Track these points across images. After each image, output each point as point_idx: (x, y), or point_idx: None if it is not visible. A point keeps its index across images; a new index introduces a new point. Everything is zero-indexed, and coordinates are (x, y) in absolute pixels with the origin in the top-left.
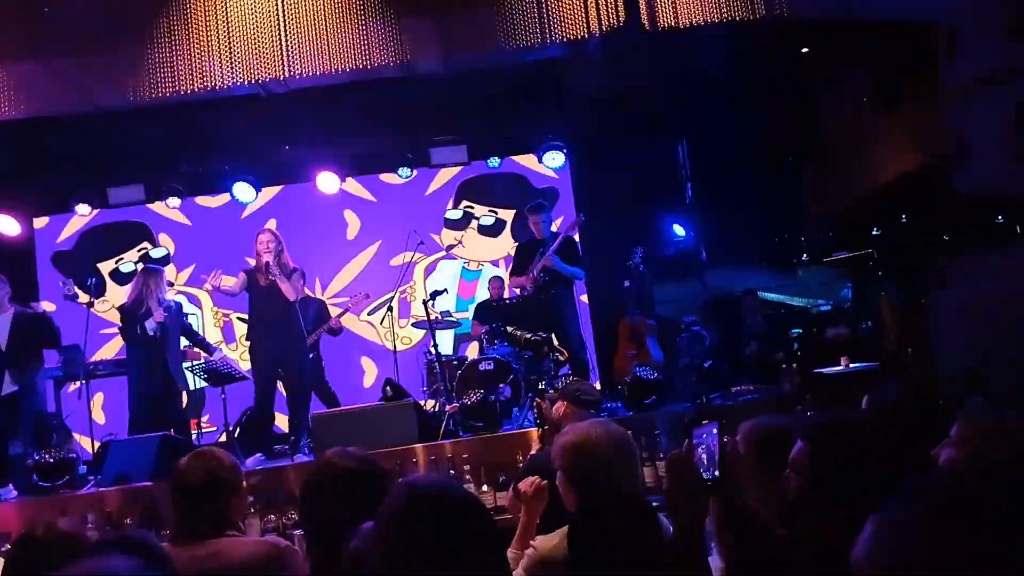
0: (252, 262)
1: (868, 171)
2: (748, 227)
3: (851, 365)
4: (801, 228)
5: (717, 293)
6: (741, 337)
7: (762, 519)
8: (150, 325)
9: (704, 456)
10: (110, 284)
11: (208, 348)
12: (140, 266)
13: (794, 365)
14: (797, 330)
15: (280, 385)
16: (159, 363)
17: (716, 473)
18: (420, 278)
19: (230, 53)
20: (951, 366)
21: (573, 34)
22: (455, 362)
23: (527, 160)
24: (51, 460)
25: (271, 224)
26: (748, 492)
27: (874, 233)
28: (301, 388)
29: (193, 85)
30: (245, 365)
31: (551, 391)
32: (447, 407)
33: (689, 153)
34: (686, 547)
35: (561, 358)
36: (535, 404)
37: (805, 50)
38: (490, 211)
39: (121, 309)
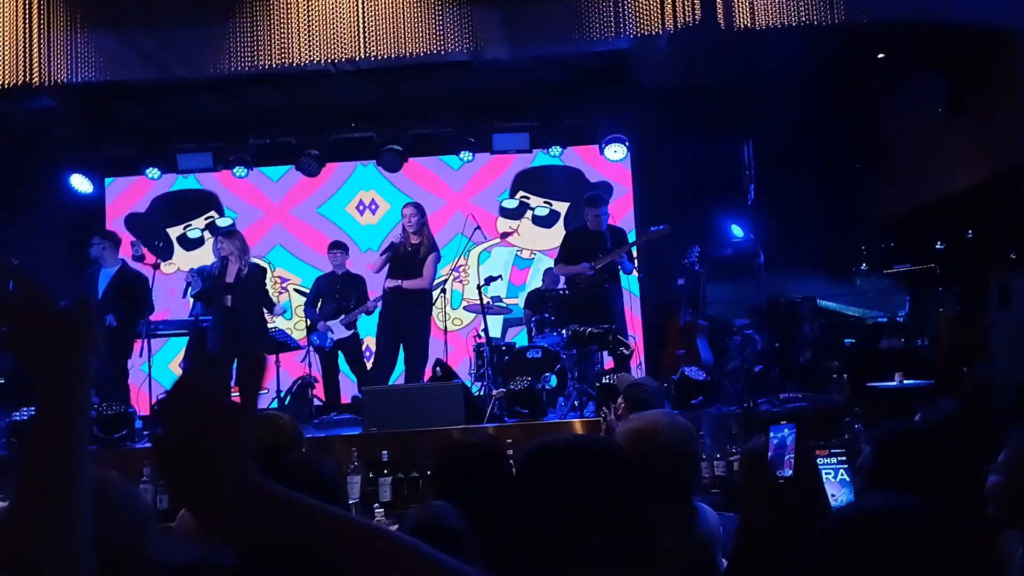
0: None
1: (935, 180)
2: (808, 231)
3: (905, 381)
4: (862, 235)
5: (772, 297)
6: (793, 343)
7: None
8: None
9: (776, 455)
10: (178, 249)
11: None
12: (206, 233)
13: (845, 376)
14: (850, 340)
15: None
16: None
17: (789, 472)
18: (474, 263)
19: (308, 33)
20: (1010, 387)
21: (647, 30)
22: (503, 348)
23: (588, 151)
24: (110, 413)
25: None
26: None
27: (938, 246)
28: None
29: (271, 61)
30: (298, 335)
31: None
32: (494, 391)
33: (754, 151)
34: (755, 539)
35: (627, 352)
36: (603, 419)
37: (881, 56)
38: (545, 202)
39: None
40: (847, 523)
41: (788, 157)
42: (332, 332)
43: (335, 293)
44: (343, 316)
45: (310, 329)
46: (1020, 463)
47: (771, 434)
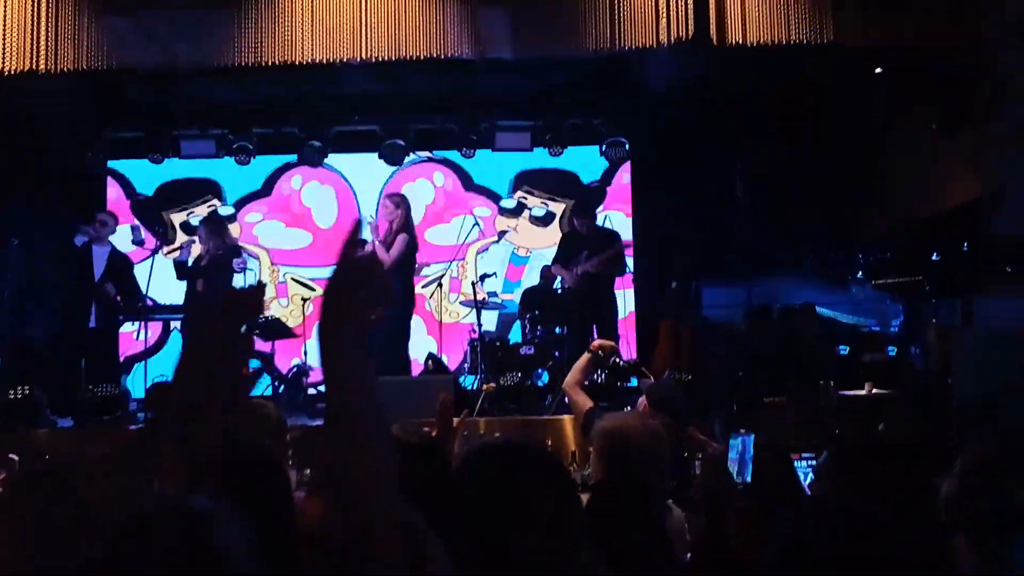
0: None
1: (932, 195)
2: (805, 239)
3: (874, 391)
4: (860, 245)
5: (765, 303)
6: (784, 349)
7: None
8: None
9: (738, 462)
10: (180, 235)
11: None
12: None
13: (831, 383)
14: (844, 348)
15: None
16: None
17: (747, 478)
18: (471, 258)
19: (312, 30)
20: (969, 399)
21: (642, 43)
22: (497, 343)
23: (589, 152)
24: (105, 395)
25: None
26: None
27: (933, 258)
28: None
29: (274, 58)
30: (293, 322)
31: None
32: (484, 386)
33: (749, 159)
34: (714, 538)
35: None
36: None
37: (879, 70)
38: (542, 203)
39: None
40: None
41: (787, 163)
42: None
43: None
44: None
45: None
46: (971, 473)
47: (731, 441)
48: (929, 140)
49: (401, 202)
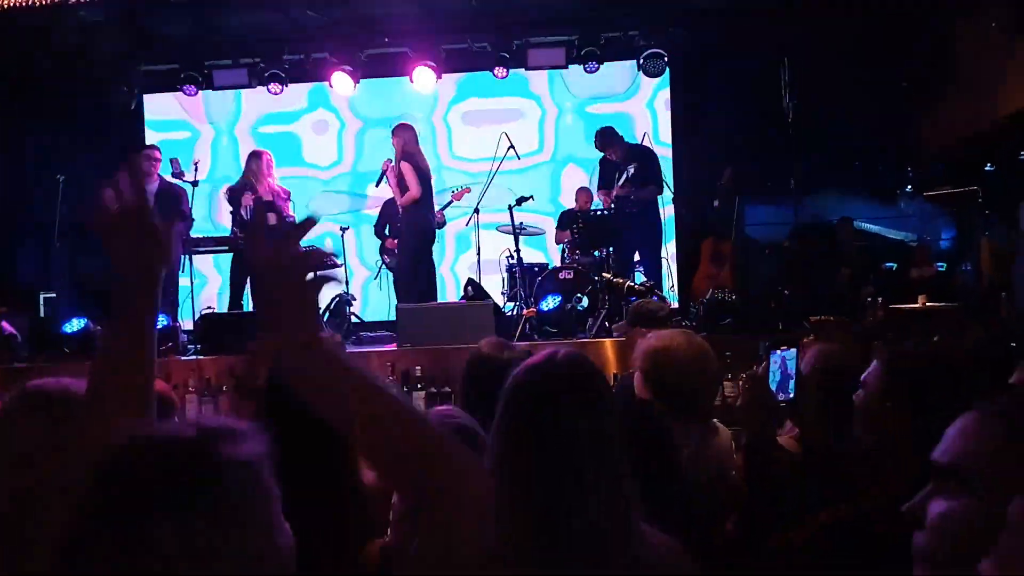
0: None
1: (994, 103)
2: (852, 153)
3: (928, 304)
4: (910, 158)
5: (810, 219)
6: (830, 266)
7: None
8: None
9: (780, 378)
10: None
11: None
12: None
13: (879, 300)
14: (891, 264)
15: None
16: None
17: (790, 396)
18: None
19: None
20: None
21: None
22: (535, 268)
23: (626, 66)
24: (158, 327)
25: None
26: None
27: (987, 169)
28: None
29: None
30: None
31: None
32: (524, 311)
33: (796, 70)
34: (755, 457)
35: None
36: None
37: None
38: None
39: (230, 190)
40: None
41: (834, 76)
42: None
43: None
44: None
45: (381, 250)
46: None
47: (772, 358)
48: (996, 44)
49: (399, 131)
